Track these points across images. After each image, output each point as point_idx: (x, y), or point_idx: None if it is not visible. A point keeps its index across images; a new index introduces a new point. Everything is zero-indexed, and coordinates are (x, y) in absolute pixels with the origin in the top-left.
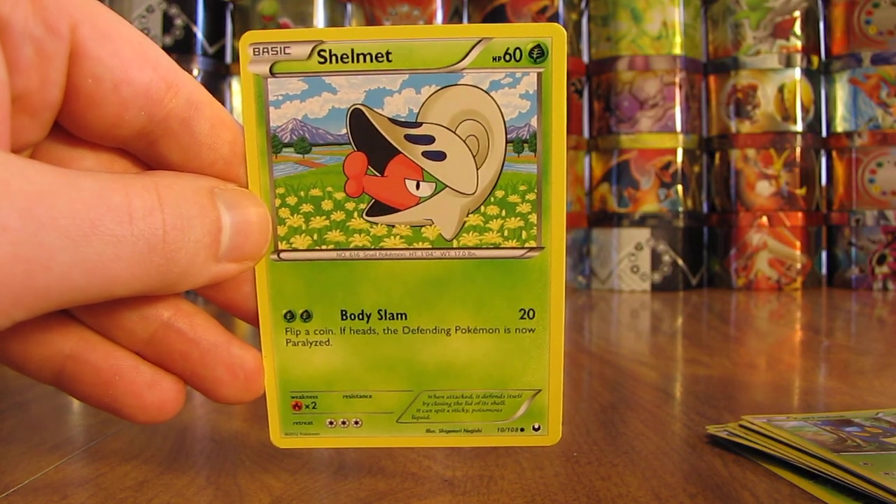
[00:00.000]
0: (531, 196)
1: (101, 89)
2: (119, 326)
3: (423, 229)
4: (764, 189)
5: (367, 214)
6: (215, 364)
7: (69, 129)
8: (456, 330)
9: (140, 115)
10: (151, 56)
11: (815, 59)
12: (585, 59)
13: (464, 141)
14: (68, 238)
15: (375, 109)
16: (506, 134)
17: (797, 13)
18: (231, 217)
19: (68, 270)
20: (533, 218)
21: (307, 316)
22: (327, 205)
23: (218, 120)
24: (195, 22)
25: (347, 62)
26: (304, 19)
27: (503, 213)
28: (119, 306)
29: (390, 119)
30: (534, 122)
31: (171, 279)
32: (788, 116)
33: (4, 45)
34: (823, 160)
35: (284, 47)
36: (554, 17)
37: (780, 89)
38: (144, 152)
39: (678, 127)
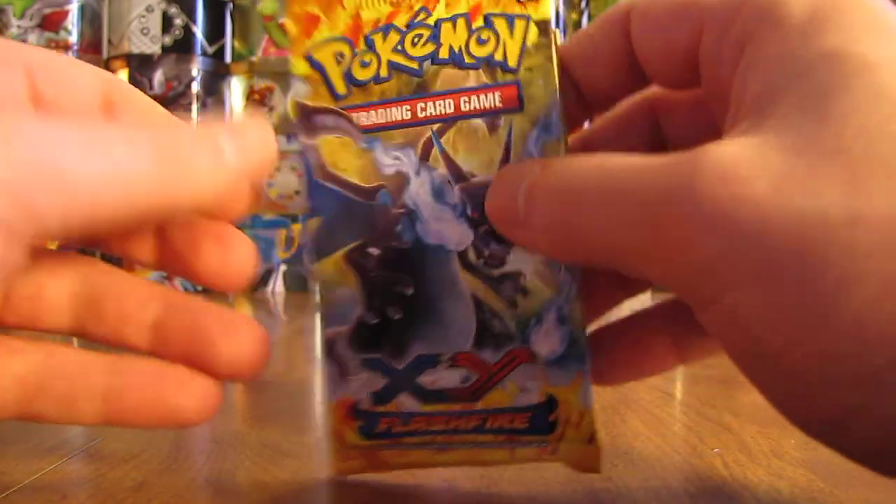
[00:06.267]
0: None
1: None
2: (123, 316)
3: None
4: None
5: None
6: (220, 320)
7: None
8: None
9: None
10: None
11: None
12: None
13: None
14: (80, 140)
15: None
16: None
17: None
18: (234, 140)
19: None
20: None
21: None
22: None
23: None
24: (195, 21)
25: None
26: None
27: None
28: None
29: None
30: None
31: (181, 179)
32: None
33: None
34: None
35: None
36: (554, 17)
37: None
38: None
39: None
